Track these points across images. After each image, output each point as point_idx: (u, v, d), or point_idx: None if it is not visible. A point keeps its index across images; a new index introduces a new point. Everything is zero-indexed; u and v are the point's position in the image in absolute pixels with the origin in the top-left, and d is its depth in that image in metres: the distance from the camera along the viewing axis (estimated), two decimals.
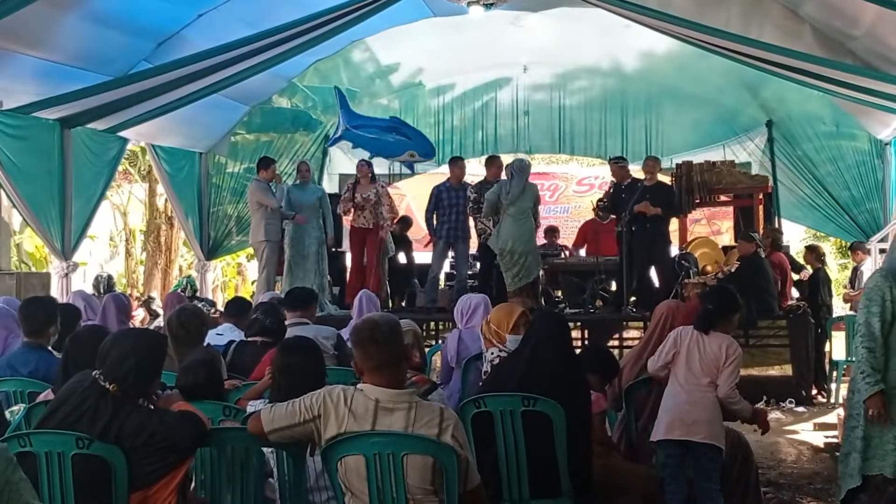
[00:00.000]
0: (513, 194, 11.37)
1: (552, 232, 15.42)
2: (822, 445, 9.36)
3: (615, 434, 6.21)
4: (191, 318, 6.35)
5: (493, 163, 12.89)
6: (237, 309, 8.03)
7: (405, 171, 17.35)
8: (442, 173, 15.59)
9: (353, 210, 12.48)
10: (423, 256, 15.11)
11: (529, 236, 11.72)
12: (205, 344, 6.44)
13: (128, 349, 4.25)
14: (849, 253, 16.03)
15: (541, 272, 12.43)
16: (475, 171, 18.76)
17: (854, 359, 5.35)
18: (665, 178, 13.74)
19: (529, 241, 11.68)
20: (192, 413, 4.38)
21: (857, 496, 5.34)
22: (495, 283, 11.92)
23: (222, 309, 11.32)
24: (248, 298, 11.12)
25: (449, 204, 12.71)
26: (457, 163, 13.20)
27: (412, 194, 19.06)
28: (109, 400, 4.16)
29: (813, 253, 12.96)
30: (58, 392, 4.51)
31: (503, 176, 12.71)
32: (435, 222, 12.95)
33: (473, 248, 14.39)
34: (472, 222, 12.89)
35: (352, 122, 13.34)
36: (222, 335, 7.44)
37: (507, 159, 14.14)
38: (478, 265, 13.52)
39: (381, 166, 16.64)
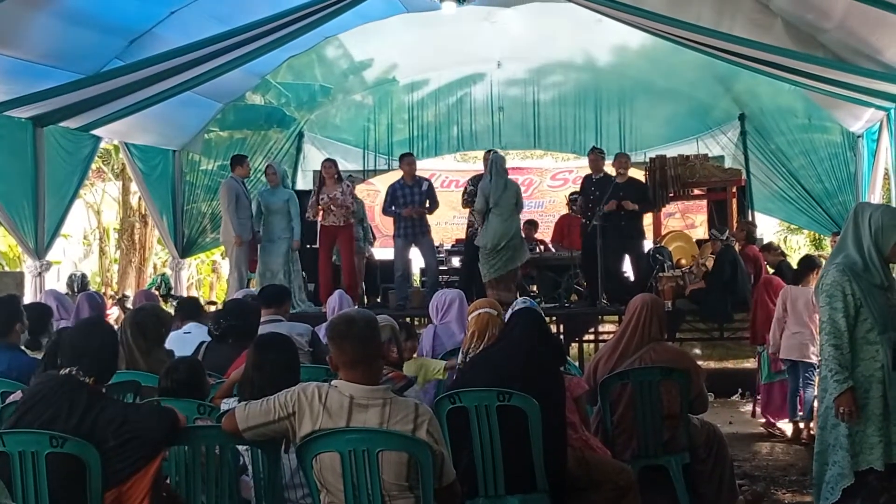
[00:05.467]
0: (496, 195, 11.50)
1: (531, 226, 15.43)
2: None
3: (591, 429, 6.21)
4: (147, 318, 6.25)
5: (489, 156, 12.83)
6: (189, 312, 7.90)
7: (380, 167, 17.41)
8: (422, 168, 15.62)
9: (321, 211, 12.40)
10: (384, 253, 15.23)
11: (516, 232, 11.91)
12: (167, 344, 6.39)
13: (103, 342, 4.39)
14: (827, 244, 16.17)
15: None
16: (451, 166, 18.83)
17: (823, 357, 5.32)
18: (639, 173, 13.80)
19: (516, 236, 11.87)
20: (165, 406, 4.41)
21: (854, 498, 5.31)
22: (476, 278, 11.95)
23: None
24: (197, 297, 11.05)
25: (404, 202, 12.64)
26: (405, 159, 13.06)
27: (385, 190, 19.02)
28: (86, 393, 4.18)
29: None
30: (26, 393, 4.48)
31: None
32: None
33: (447, 242, 14.43)
34: (442, 216, 12.96)
35: None
36: (190, 333, 7.36)
37: (482, 156, 14.17)
38: (454, 259, 13.55)
39: (356, 163, 16.71)
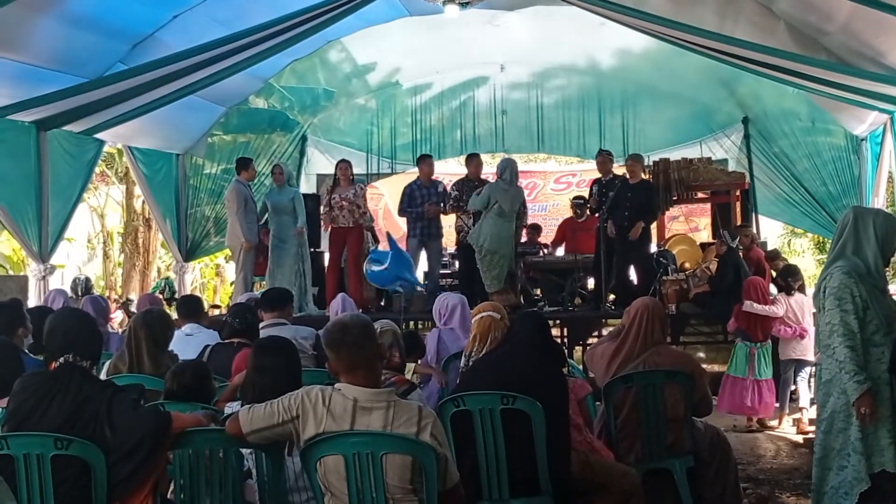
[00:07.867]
0: (508, 200, 11.52)
1: (535, 230, 15.42)
2: (800, 441, 9.40)
3: (594, 431, 6.20)
4: (156, 321, 6.25)
5: (473, 160, 12.91)
6: (190, 311, 7.91)
7: (384, 170, 17.42)
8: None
9: (331, 210, 12.42)
10: None
11: (509, 238, 11.88)
12: (170, 348, 6.40)
13: (92, 326, 4.54)
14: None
15: (519, 272, 12.48)
16: (454, 170, 18.80)
17: (837, 359, 5.24)
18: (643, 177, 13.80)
19: (508, 242, 11.85)
20: (162, 410, 4.52)
21: (865, 500, 5.27)
22: (477, 280, 11.91)
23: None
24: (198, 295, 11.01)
25: (421, 202, 12.73)
26: (425, 160, 13.26)
27: (389, 193, 19.04)
28: (89, 377, 4.31)
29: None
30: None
31: (485, 175, 12.76)
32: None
33: (450, 246, 14.40)
34: (445, 220, 12.98)
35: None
36: (192, 335, 7.35)
37: (486, 159, 14.17)
38: (457, 264, 13.52)
39: (359, 166, 16.70)
